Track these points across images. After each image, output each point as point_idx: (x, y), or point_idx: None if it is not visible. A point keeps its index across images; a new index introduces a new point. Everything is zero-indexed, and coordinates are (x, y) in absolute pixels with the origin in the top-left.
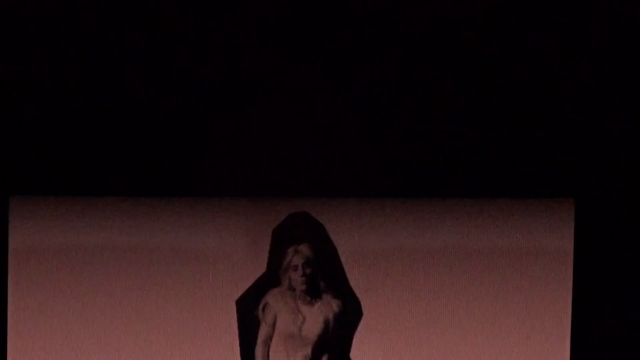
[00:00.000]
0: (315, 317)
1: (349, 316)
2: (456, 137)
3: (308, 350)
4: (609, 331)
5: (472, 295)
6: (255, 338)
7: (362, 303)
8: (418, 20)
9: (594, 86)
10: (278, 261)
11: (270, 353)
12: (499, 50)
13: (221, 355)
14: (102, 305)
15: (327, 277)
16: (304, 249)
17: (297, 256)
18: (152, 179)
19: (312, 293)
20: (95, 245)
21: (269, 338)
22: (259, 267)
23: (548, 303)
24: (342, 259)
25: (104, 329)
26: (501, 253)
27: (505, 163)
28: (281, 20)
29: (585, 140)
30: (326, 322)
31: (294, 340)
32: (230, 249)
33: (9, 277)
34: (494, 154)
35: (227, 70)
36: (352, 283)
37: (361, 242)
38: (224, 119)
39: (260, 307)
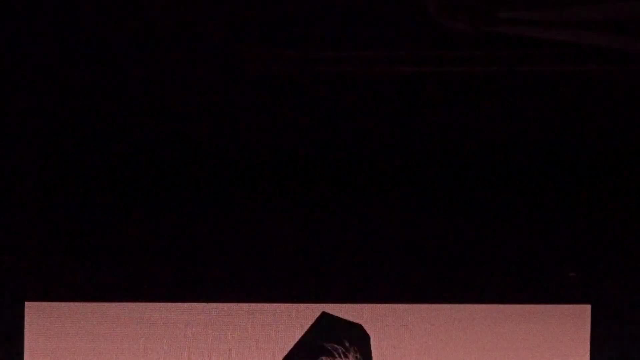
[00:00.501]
0: None
1: None
2: (479, 247)
3: None
4: None
5: None
6: None
7: None
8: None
9: (612, 194)
10: None
11: None
12: (515, 160)
13: None
14: None
15: None
16: None
17: None
18: (163, 285)
19: None
20: (107, 349)
21: None
22: None
23: None
24: None
25: None
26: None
27: (524, 270)
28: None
29: (602, 249)
30: None
31: None
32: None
33: None
34: (514, 260)
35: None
36: None
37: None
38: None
39: None
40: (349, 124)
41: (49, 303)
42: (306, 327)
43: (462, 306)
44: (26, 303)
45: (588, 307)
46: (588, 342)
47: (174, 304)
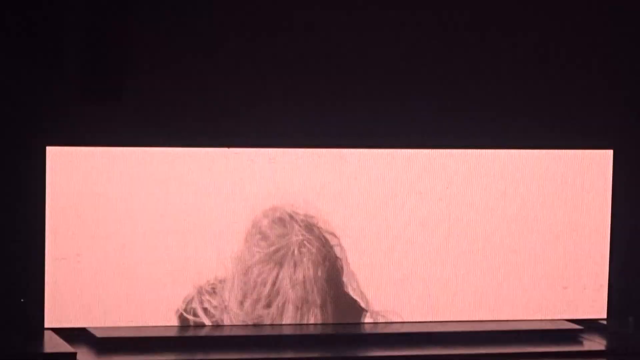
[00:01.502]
0: None
1: None
2: (503, 96)
3: None
4: None
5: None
6: None
7: None
8: None
9: (633, 40)
10: None
11: None
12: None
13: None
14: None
15: None
16: None
17: None
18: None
19: None
20: (127, 193)
21: None
22: None
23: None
24: None
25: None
26: (541, 200)
27: (546, 115)
28: None
29: (625, 93)
30: None
31: None
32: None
33: (47, 218)
34: (538, 106)
35: None
36: None
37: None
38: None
39: None
40: None
41: (70, 148)
42: (324, 169)
43: (484, 151)
44: (47, 148)
45: (610, 152)
46: (610, 187)
47: (195, 149)
